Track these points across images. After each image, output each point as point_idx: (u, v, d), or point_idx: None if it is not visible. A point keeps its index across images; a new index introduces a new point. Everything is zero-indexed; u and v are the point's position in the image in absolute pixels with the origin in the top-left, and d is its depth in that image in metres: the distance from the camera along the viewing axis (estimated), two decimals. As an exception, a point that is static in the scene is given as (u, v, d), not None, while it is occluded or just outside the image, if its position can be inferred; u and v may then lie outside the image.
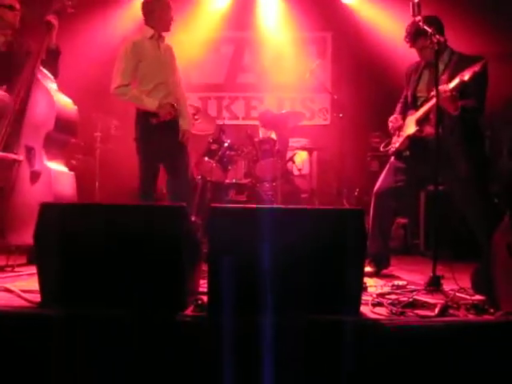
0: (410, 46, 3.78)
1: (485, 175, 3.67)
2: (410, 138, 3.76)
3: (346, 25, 6.92)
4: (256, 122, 6.69)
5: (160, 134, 3.99)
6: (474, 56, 3.57)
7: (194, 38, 6.98)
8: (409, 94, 3.89)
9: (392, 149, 3.90)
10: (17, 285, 2.85)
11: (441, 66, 3.55)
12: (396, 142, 3.88)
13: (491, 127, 5.54)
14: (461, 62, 3.55)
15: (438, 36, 3.16)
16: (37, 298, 2.45)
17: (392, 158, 3.91)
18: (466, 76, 3.32)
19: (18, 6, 4.00)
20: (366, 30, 6.70)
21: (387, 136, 4.07)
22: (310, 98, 7.35)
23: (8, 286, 2.81)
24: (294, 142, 6.24)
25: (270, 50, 7.25)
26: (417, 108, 3.80)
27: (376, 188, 3.87)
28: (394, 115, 3.99)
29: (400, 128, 3.90)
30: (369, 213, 3.88)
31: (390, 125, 3.96)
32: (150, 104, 4.00)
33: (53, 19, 3.87)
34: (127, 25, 6.83)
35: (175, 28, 6.94)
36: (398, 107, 4.05)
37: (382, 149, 4.08)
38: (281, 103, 7.33)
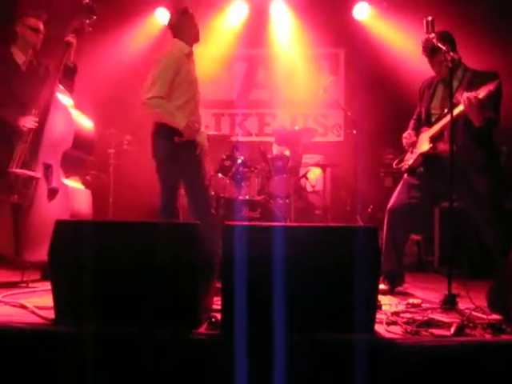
0: (429, 62, 3.77)
1: (501, 193, 3.64)
2: (423, 155, 3.75)
3: (359, 41, 6.93)
4: (269, 139, 6.71)
5: (181, 151, 3.87)
6: (488, 72, 3.56)
7: (207, 54, 7.02)
8: (422, 110, 3.89)
9: (405, 166, 3.89)
10: (31, 301, 2.86)
11: (455, 83, 3.53)
12: (409, 159, 3.87)
13: (507, 143, 5.50)
14: (475, 79, 3.54)
15: (452, 53, 3.16)
16: (51, 314, 2.46)
17: (406, 175, 3.90)
18: (481, 94, 3.31)
19: (42, 28, 4.09)
20: (378, 47, 6.72)
21: (401, 152, 4.06)
22: (324, 115, 7.36)
23: (22, 302, 2.82)
24: (307, 158, 6.25)
25: (283, 67, 7.29)
26: (430, 124, 3.79)
27: (390, 205, 3.85)
28: (408, 131, 3.98)
29: (413, 144, 3.89)
30: (382, 229, 3.86)
31: (404, 141, 3.95)
32: (180, 121, 3.83)
33: (72, 38, 3.95)
34: (140, 43, 6.94)
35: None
36: (412, 123, 4.05)
37: (395, 165, 4.06)
38: (294, 119, 7.35)
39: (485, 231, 3.57)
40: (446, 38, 3.51)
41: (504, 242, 3.37)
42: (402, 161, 3.98)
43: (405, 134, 3.98)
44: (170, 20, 4.14)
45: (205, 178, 4.20)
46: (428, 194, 3.76)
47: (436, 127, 3.69)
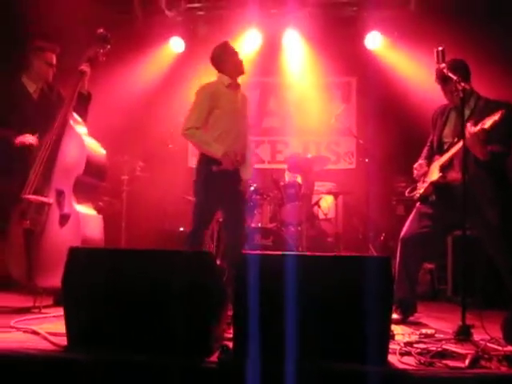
0: (442, 90, 3.79)
1: None
2: (433, 184, 3.75)
3: (371, 70, 6.96)
4: (282, 166, 6.73)
5: (220, 182, 3.89)
6: (500, 102, 3.57)
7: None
8: (435, 138, 3.90)
9: (417, 194, 3.89)
10: (43, 327, 2.86)
11: (466, 112, 3.55)
12: (421, 188, 3.87)
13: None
14: (487, 108, 3.55)
15: (463, 83, 3.18)
16: (63, 341, 2.46)
17: (418, 204, 3.89)
18: (487, 124, 3.32)
19: (54, 62, 4.18)
20: (390, 75, 6.76)
21: (413, 180, 4.05)
22: (336, 142, 7.39)
23: (35, 328, 2.83)
24: (319, 186, 6.26)
25: (295, 95, 7.35)
26: (442, 153, 3.79)
27: (402, 234, 3.84)
28: (419, 161, 3.98)
29: (425, 174, 3.89)
30: (395, 258, 3.84)
31: (415, 172, 3.96)
32: (216, 150, 3.91)
33: (85, 67, 4.02)
34: (154, 72, 7.05)
35: (202, 72, 7.15)
36: (425, 151, 4.05)
37: (407, 194, 4.06)
38: (306, 147, 7.38)
39: (498, 261, 3.54)
40: (458, 66, 3.53)
41: None
42: (414, 189, 3.98)
43: (415, 165, 3.98)
44: (211, 54, 4.22)
45: (243, 214, 4.21)
46: (440, 223, 3.74)
47: (446, 156, 3.70)
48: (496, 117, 3.30)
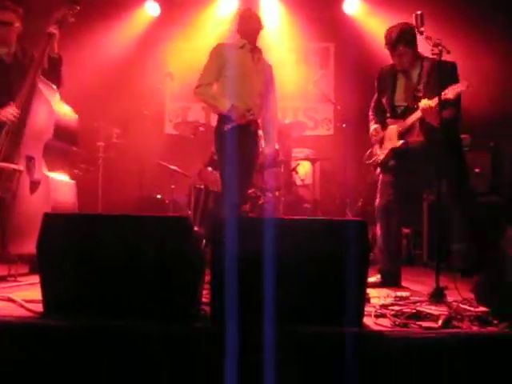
0: (391, 54, 3.80)
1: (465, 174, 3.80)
2: (394, 150, 3.79)
3: (349, 35, 6.94)
4: (259, 132, 6.69)
5: (236, 141, 3.93)
6: (448, 62, 3.59)
7: (198, 46, 7.00)
8: (385, 101, 3.92)
9: (377, 160, 3.93)
10: (19, 294, 2.84)
11: (415, 73, 3.72)
12: (381, 154, 3.91)
13: (494, 139, 5.54)
14: (433, 68, 3.58)
15: (440, 46, 3.17)
16: (39, 308, 2.45)
17: (380, 176, 3.92)
18: (450, 95, 3.37)
19: (12, 20, 3.97)
20: (368, 41, 6.72)
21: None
22: (313, 108, 7.37)
23: (10, 295, 2.80)
24: (297, 152, 6.25)
25: (273, 61, 7.26)
26: (396, 117, 3.82)
27: (376, 205, 3.90)
28: (374, 126, 4.00)
29: (382, 139, 3.92)
30: (372, 223, 3.89)
31: (373, 138, 3.99)
32: (222, 105, 4.01)
33: (53, 29, 3.89)
34: (129, 35, 6.91)
35: (178, 36, 7.04)
36: (373, 114, 4.08)
37: (365, 161, 4.11)
38: (284, 113, 7.34)
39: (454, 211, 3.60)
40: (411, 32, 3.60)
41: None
42: (371, 155, 4.03)
43: (371, 130, 4.02)
44: (235, 16, 4.36)
45: (249, 175, 4.24)
46: (403, 188, 3.80)
47: (405, 124, 3.74)
48: (462, 88, 3.35)
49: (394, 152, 3.81)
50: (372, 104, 4.12)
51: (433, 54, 3.23)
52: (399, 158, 3.81)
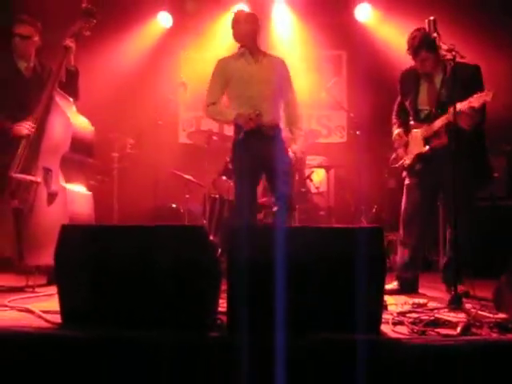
0: (414, 59, 3.79)
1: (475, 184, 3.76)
2: (420, 155, 3.77)
3: (361, 42, 6.92)
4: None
5: (249, 146, 3.93)
6: (469, 65, 3.61)
7: (210, 56, 7.04)
8: (409, 105, 3.90)
9: (404, 164, 3.90)
10: (37, 305, 2.87)
11: (438, 77, 3.70)
12: (406, 159, 3.89)
13: (510, 143, 5.50)
14: (457, 72, 3.55)
15: (454, 52, 3.16)
16: (57, 319, 2.47)
17: (406, 180, 3.90)
18: (475, 103, 3.36)
19: (32, 33, 4.05)
20: (381, 48, 6.72)
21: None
22: (327, 116, 7.36)
23: (29, 306, 2.83)
24: (310, 159, 6.24)
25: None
26: (419, 121, 3.80)
27: (402, 211, 3.86)
28: (398, 131, 3.98)
29: (406, 144, 3.90)
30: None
31: (396, 143, 3.98)
32: (228, 115, 4.03)
33: (70, 42, 3.95)
34: (142, 47, 6.97)
35: (191, 47, 7.08)
36: (396, 117, 4.07)
37: (391, 164, 4.09)
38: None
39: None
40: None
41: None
42: (397, 159, 4.01)
43: (395, 135, 4.00)
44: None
45: (273, 178, 4.09)
46: (428, 189, 3.77)
47: (429, 129, 3.72)
48: (487, 97, 3.33)
49: (420, 157, 3.79)
50: (395, 107, 4.10)
51: (447, 60, 3.22)
52: (425, 162, 3.78)
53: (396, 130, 4.01)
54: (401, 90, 4.02)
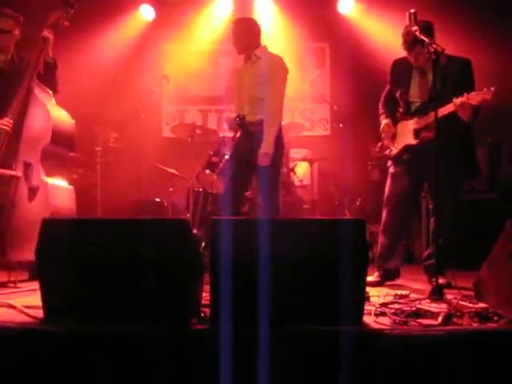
0: (408, 53, 3.80)
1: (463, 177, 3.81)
2: (408, 146, 3.78)
3: (344, 35, 6.94)
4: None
5: (232, 147, 4.30)
6: (461, 58, 3.65)
7: (193, 49, 7.03)
8: (399, 96, 3.90)
9: (391, 153, 3.91)
10: (19, 301, 2.84)
11: (430, 72, 3.65)
12: (391, 148, 3.90)
13: (491, 133, 5.55)
14: (449, 65, 3.58)
15: (434, 45, 3.17)
16: (40, 313, 2.45)
17: (391, 169, 3.92)
18: (473, 101, 3.36)
19: (11, 28, 3.98)
20: (363, 40, 6.75)
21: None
22: (310, 109, 7.37)
23: (11, 301, 2.80)
24: (294, 152, 6.25)
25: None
26: (410, 113, 3.80)
27: (385, 196, 3.87)
28: (386, 121, 3.98)
29: (393, 135, 3.91)
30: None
31: (383, 134, 3.98)
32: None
33: (48, 33, 3.89)
34: (124, 39, 6.92)
35: (174, 40, 7.05)
36: (382, 108, 4.08)
37: (378, 153, 4.10)
38: (280, 114, 7.34)
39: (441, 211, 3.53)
40: (427, 28, 3.54)
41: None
42: (383, 148, 4.02)
43: (383, 126, 4.00)
44: None
45: (245, 179, 4.31)
46: (414, 177, 3.80)
47: (420, 121, 3.71)
48: (487, 96, 3.33)
49: (408, 148, 3.81)
50: (382, 97, 4.10)
51: (427, 54, 3.23)
52: (412, 152, 3.79)
53: (384, 121, 4.01)
54: (392, 79, 4.01)
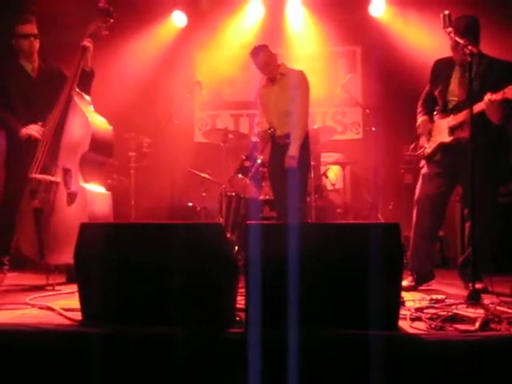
0: (451, 48, 3.72)
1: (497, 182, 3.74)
2: (442, 144, 3.72)
3: (376, 38, 6.89)
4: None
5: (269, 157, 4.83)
6: (504, 62, 3.58)
7: (225, 55, 7.07)
8: (438, 94, 3.84)
9: (425, 152, 3.85)
10: (58, 303, 2.91)
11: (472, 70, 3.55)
12: (427, 147, 3.84)
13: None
14: (491, 68, 3.52)
15: (470, 47, 3.13)
16: (78, 316, 2.50)
17: (423, 169, 3.86)
18: (509, 94, 3.28)
19: (30, 32, 4.11)
20: (395, 43, 6.68)
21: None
22: (342, 113, 7.34)
23: (49, 304, 2.87)
24: (326, 156, 6.23)
25: (301, 66, 7.26)
26: (447, 112, 3.74)
27: (416, 197, 3.82)
28: (422, 118, 3.93)
29: (429, 131, 3.85)
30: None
31: (419, 130, 3.92)
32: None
33: (88, 42, 3.97)
34: (157, 47, 7.00)
35: (206, 46, 7.11)
36: (421, 106, 4.01)
37: (411, 152, 4.05)
38: (312, 118, 7.29)
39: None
40: (467, 27, 3.48)
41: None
42: (417, 147, 3.97)
43: (419, 121, 3.94)
44: None
45: (283, 186, 4.55)
46: (449, 179, 3.73)
47: (456, 118, 3.64)
48: None
49: (442, 147, 3.74)
50: (422, 96, 4.02)
51: (463, 56, 3.19)
52: (446, 153, 3.73)
53: (421, 118, 3.96)
54: (432, 77, 3.94)
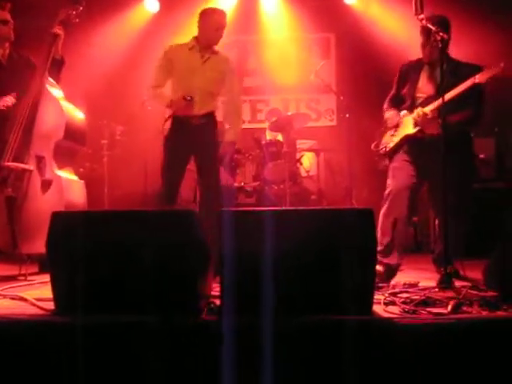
0: (423, 42, 3.70)
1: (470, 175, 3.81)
2: (408, 137, 3.73)
3: (349, 25, 6.92)
4: (262, 125, 6.71)
5: (176, 134, 4.11)
6: (470, 65, 3.59)
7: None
8: (406, 93, 3.83)
9: (386, 148, 3.86)
10: (30, 293, 2.87)
11: (438, 73, 3.50)
12: (390, 142, 3.84)
13: (498, 124, 5.53)
14: (457, 70, 3.54)
15: (441, 33, 3.14)
16: (51, 305, 2.47)
17: (392, 164, 3.84)
18: (480, 79, 3.33)
19: (9, 18, 4.03)
20: (369, 30, 6.70)
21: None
22: (316, 100, 7.35)
23: (22, 294, 2.83)
24: (300, 143, 6.25)
25: (274, 53, 7.25)
26: (413, 108, 3.72)
27: (391, 188, 3.77)
28: (392, 111, 3.91)
29: (397, 126, 3.85)
30: (376, 212, 3.84)
31: (389, 122, 3.90)
32: (164, 100, 4.15)
33: (58, 30, 3.91)
34: (129, 33, 6.91)
35: (178, 32, 7.03)
36: (388, 102, 3.99)
37: (373, 148, 4.04)
38: (286, 105, 7.33)
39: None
40: (439, 21, 3.49)
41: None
42: (378, 145, 3.97)
43: (388, 115, 3.92)
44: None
45: (211, 165, 4.21)
46: (419, 170, 3.72)
47: (421, 111, 3.62)
48: (496, 70, 3.32)
49: (408, 140, 3.74)
50: (388, 97, 3.99)
51: (433, 42, 3.20)
52: (412, 145, 3.73)
53: (390, 112, 3.93)
54: (398, 80, 3.93)
